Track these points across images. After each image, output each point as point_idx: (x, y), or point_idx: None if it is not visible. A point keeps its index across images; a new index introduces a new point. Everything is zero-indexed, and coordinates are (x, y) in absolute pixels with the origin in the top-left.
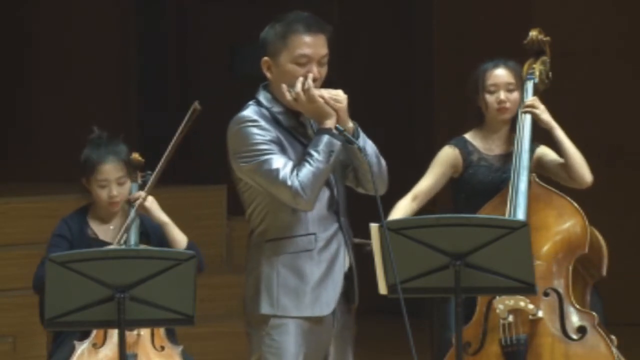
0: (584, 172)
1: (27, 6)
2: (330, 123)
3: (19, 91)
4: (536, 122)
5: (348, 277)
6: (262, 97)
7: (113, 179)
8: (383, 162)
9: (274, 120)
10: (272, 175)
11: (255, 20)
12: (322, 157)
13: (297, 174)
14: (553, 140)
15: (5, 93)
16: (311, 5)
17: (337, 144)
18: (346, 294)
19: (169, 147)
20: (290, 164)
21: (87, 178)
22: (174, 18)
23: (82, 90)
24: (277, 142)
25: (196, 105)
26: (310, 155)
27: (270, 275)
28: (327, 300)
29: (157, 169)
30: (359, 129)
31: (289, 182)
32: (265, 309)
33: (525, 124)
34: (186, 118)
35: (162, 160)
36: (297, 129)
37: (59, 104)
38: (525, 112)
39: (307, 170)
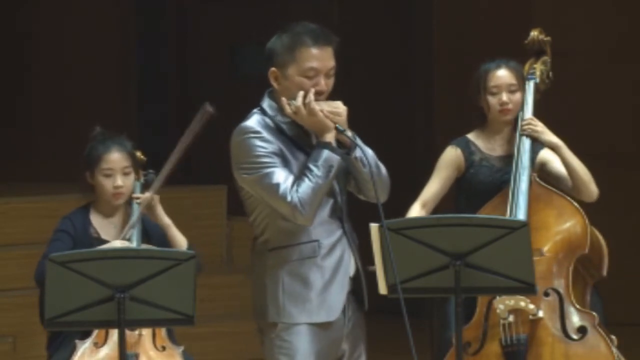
0: (591, 188)
1: (27, 6)
2: (329, 137)
3: (19, 91)
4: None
5: (356, 279)
6: (267, 105)
7: (119, 168)
8: (383, 169)
9: (277, 130)
10: (273, 189)
11: (255, 20)
12: (322, 172)
13: (296, 190)
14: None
15: (6, 93)
16: (311, 5)
17: (337, 158)
18: (355, 293)
19: (176, 150)
20: (290, 178)
21: (91, 170)
22: (174, 18)
23: (82, 90)
24: (279, 154)
25: (207, 107)
26: (310, 171)
27: (275, 284)
28: (332, 306)
29: (163, 171)
30: (357, 138)
31: (289, 198)
32: (272, 317)
33: (525, 142)
34: (195, 121)
35: (170, 162)
36: (301, 138)
37: (59, 104)
38: (525, 135)
39: (306, 186)
